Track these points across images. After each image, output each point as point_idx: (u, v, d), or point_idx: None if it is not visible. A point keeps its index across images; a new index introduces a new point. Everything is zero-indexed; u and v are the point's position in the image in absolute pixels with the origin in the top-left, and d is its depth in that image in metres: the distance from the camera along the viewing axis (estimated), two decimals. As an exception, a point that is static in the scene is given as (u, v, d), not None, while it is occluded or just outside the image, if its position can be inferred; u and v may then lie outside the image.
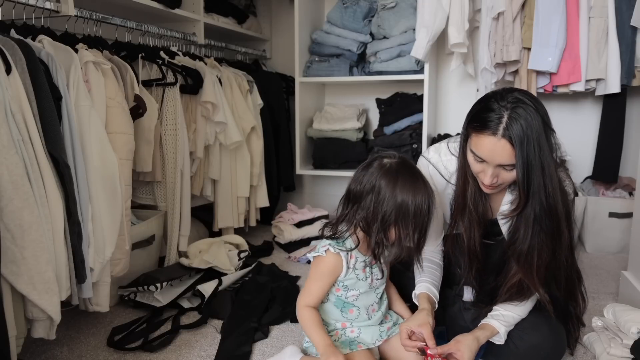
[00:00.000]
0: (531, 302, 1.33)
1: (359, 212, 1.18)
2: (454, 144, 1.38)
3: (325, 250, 1.22)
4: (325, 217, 2.65)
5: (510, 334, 1.29)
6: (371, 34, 2.76)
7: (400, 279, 1.54)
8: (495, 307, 1.32)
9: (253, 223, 2.59)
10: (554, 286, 1.30)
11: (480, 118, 1.20)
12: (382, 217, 1.15)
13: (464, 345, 1.22)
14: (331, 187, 3.23)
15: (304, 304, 1.24)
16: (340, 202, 1.25)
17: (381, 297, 1.35)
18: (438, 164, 1.42)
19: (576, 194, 1.35)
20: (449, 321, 1.47)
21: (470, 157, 1.26)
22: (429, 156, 1.44)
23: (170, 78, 2.04)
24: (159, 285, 1.69)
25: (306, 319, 1.23)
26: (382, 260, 1.28)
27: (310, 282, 1.26)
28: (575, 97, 2.67)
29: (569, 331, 1.37)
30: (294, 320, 1.64)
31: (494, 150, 1.18)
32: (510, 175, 1.21)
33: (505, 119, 1.15)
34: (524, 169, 1.16)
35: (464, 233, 1.34)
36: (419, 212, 1.15)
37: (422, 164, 1.45)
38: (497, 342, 1.28)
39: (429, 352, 1.23)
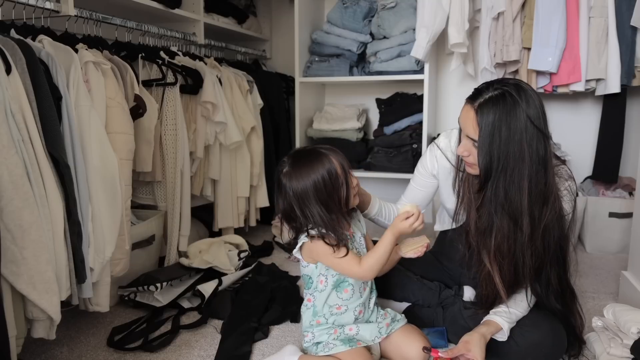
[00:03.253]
0: (532, 300, 1.33)
1: (300, 218, 1.27)
2: None
3: (307, 237, 1.26)
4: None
5: (511, 332, 1.29)
6: (371, 34, 2.76)
7: (401, 279, 1.55)
8: (497, 305, 1.32)
9: (253, 223, 2.59)
10: (551, 298, 1.30)
11: (474, 90, 1.24)
12: (309, 207, 1.24)
13: (474, 345, 1.22)
14: (331, 187, 3.23)
15: (357, 265, 1.24)
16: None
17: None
18: (446, 149, 1.45)
19: (575, 208, 1.33)
20: (449, 321, 1.48)
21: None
22: (438, 141, 1.48)
23: (170, 78, 2.04)
24: (159, 285, 1.69)
25: (371, 260, 1.24)
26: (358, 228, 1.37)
27: (334, 262, 1.25)
28: (575, 97, 2.67)
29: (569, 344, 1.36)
30: (294, 320, 1.64)
31: (466, 119, 1.22)
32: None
33: (487, 95, 1.18)
34: (486, 154, 1.18)
35: (466, 223, 1.35)
36: (325, 185, 1.25)
37: (430, 148, 1.50)
38: (499, 339, 1.28)
39: (439, 354, 1.24)
